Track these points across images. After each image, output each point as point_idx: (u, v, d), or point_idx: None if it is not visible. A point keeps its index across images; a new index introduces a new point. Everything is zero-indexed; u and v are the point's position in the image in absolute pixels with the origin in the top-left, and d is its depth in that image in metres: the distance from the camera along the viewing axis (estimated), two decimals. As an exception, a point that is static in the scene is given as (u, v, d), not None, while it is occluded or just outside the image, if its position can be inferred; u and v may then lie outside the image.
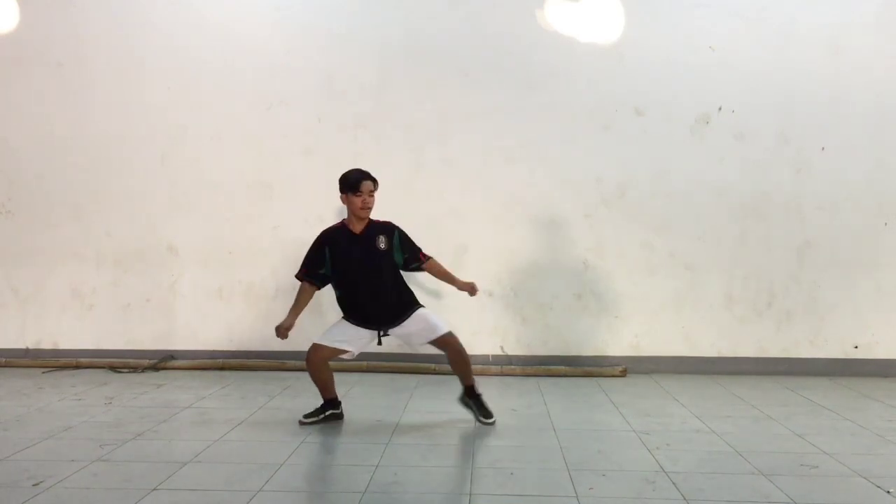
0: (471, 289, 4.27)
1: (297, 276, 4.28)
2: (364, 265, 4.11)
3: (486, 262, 5.72)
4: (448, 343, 4.19)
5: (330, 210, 5.77)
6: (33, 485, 3.16)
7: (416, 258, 4.24)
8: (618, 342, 5.79)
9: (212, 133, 5.84)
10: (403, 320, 4.14)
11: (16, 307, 5.95)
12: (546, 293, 5.78)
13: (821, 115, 5.69)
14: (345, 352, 4.18)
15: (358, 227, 4.17)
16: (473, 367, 5.60)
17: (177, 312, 5.89)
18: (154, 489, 3.13)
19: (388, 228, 4.21)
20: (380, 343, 4.21)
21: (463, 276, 5.59)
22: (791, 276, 5.75)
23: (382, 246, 4.13)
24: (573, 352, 5.77)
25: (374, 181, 4.18)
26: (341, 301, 4.23)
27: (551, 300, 5.78)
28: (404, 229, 4.26)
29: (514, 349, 5.79)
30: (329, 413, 4.26)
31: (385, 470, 3.44)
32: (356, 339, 4.18)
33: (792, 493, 3.15)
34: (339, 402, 4.32)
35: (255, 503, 3.00)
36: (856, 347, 5.75)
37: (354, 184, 4.12)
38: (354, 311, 4.19)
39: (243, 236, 5.84)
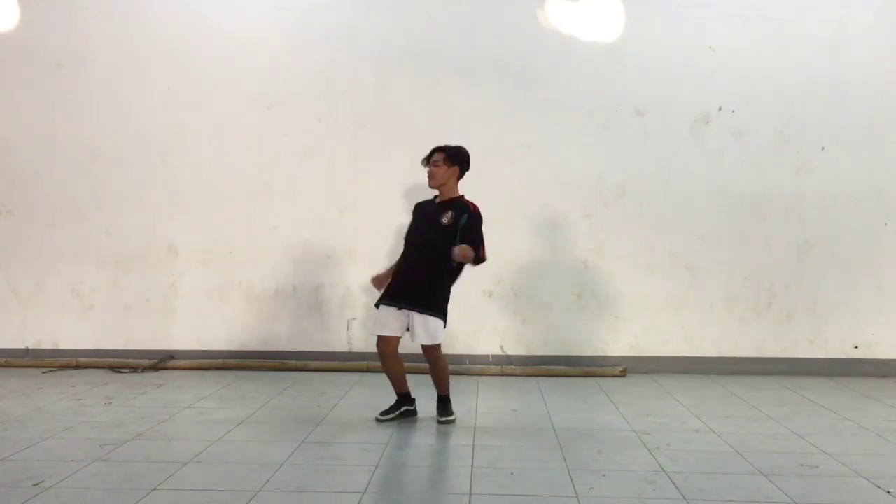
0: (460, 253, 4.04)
1: None
2: (420, 232, 4.21)
3: (486, 261, 5.71)
4: (424, 350, 4.23)
5: (330, 210, 5.78)
6: (33, 485, 3.16)
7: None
8: (618, 342, 5.79)
9: (212, 133, 5.83)
10: (423, 313, 4.10)
11: (16, 307, 5.95)
12: (546, 293, 5.78)
13: (821, 114, 5.70)
14: (397, 336, 4.17)
15: (440, 198, 4.24)
16: (473, 367, 5.65)
17: (177, 312, 5.89)
18: (154, 489, 3.13)
19: (463, 208, 4.14)
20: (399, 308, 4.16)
21: (463, 276, 5.63)
22: (791, 276, 5.75)
23: (444, 221, 4.12)
24: (573, 352, 5.77)
25: (444, 151, 4.19)
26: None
27: (551, 300, 5.78)
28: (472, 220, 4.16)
29: (514, 349, 5.79)
30: (403, 409, 4.31)
31: (385, 470, 3.44)
32: (392, 319, 4.15)
33: (792, 493, 3.15)
34: (413, 399, 4.36)
35: (255, 503, 3.00)
36: (856, 347, 5.75)
37: (427, 156, 4.23)
38: (393, 281, 4.21)
39: (243, 236, 5.84)
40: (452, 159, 4.19)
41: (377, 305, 4.24)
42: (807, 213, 5.73)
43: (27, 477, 3.25)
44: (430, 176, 4.18)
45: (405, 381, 4.34)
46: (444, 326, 4.21)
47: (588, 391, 5.16)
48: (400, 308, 4.14)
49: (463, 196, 4.23)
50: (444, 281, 4.21)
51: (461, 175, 4.25)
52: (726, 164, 5.73)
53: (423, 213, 4.28)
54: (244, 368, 5.75)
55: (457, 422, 4.29)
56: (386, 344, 4.19)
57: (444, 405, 4.34)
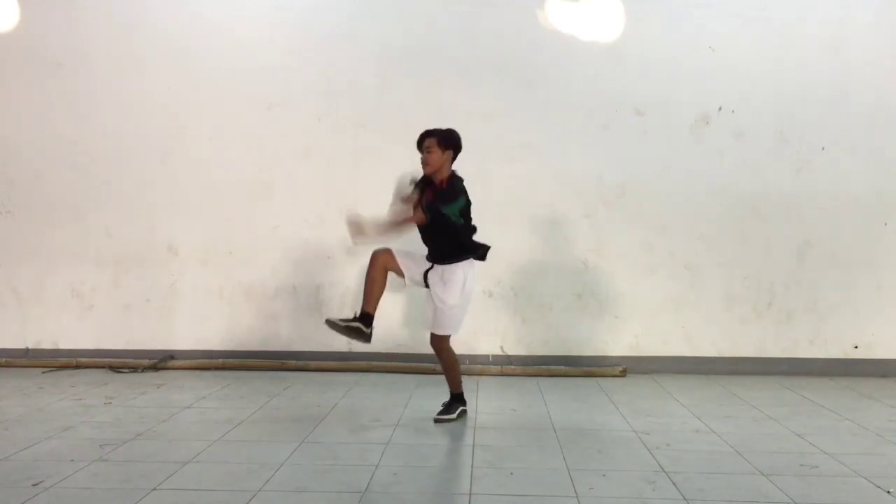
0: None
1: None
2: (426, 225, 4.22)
3: (487, 262, 5.69)
4: (432, 343, 4.28)
5: (330, 209, 5.78)
6: (33, 485, 3.16)
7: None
8: (618, 342, 5.79)
9: (212, 133, 5.83)
10: (446, 263, 4.17)
11: (16, 307, 5.95)
12: (546, 293, 5.78)
13: (821, 115, 5.69)
14: (401, 272, 4.21)
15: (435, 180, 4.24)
16: (473, 367, 5.64)
17: (177, 312, 5.89)
18: (154, 489, 3.13)
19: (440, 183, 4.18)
20: (427, 285, 4.21)
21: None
22: (791, 276, 5.75)
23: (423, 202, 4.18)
24: (573, 352, 5.77)
25: (435, 135, 4.16)
26: None
27: (551, 300, 5.78)
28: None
29: (514, 349, 5.79)
30: (356, 326, 4.11)
31: (385, 470, 3.44)
32: (416, 265, 4.21)
33: (792, 493, 3.15)
34: (372, 319, 4.16)
35: (255, 503, 3.00)
36: (856, 347, 5.75)
37: (419, 142, 4.20)
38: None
39: (243, 236, 5.84)
40: (445, 143, 4.18)
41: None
42: (807, 213, 5.73)
43: (27, 477, 3.25)
44: (425, 163, 4.18)
45: (377, 302, 4.19)
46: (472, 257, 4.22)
47: (588, 391, 5.16)
48: (427, 272, 4.19)
49: (452, 173, 4.23)
50: (457, 243, 4.23)
51: (454, 158, 4.25)
52: (726, 164, 5.73)
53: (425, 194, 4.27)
54: (244, 368, 5.74)
55: (457, 422, 4.28)
56: (389, 260, 4.17)
57: (447, 403, 4.35)
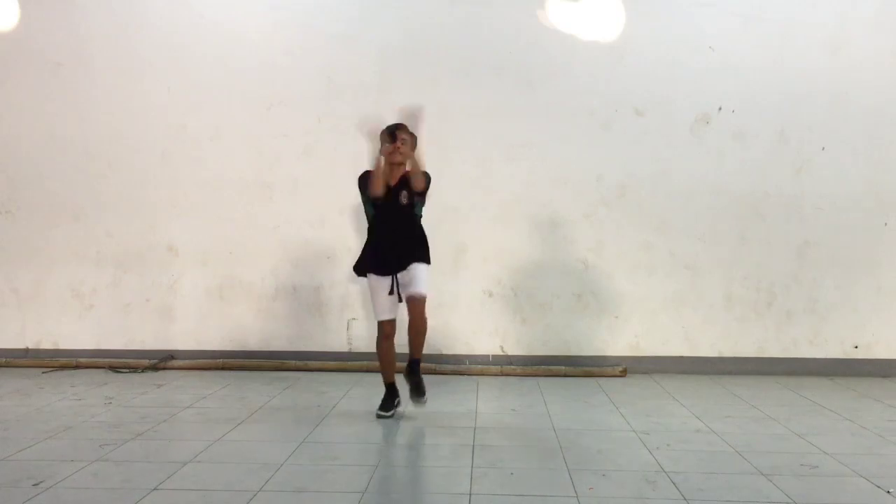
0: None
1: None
2: (386, 216, 4.24)
3: (486, 262, 5.73)
4: (414, 303, 4.19)
5: (330, 210, 5.78)
6: (33, 485, 3.16)
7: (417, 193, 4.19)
8: (618, 342, 5.78)
9: (212, 133, 5.83)
10: (406, 266, 4.20)
11: (16, 307, 5.95)
12: (546, 293, 5.78)
13: (821, 115, 5.69)
14: (394, 315, 4.28)
15: (393, 177, 4.23)
16: (473, 367, 5.65)
17: (177, 312, 5.89)
18: (154, 489, 3.13)
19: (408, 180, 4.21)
20: (396, 295, 4.22)
21: (463, 276, 5.63)
22: (791, 276, 5.75)
23: (404, 201, 4.19)
24: (573, 352, 5.77)
25: (412, 134, 4.24)
26: (368, 238, 4.35)
27: (551, 300, 5.78)
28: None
29: (514, 349, 5.79)
30: (398, 401, 4.40)
31: (385, 470, 3.44)
32: (384, 294, 4.23)
33: (792, 493, 3.15)
34: (397, 389, 4.42)
35: (255, 503, 3.00)
36: (856, 347, 5.75)
37: (391, 133, 4.19)
38: (372, 252, 4.28)
39: (243, 236, 5.84)
40: (414, 139, 4.25)
41: (362, 273, 4.30)
42: (807, 213, 5.73)
43: (27, 477, 3.25)
44: (400, 152, 4.17)
45: (394, 371, 4.40)
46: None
47: (588, 391, 5.16)
48: (394, 283, 4.20)
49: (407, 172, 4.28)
50: (422, 241, 4.30)
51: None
52: (726, 164, 5.72)
53: (385, 193, 4.21)
54: (244, 368, 5.75)
55: (455, 421, 4.28)
56: (391, 326, 4.27)
57: (418, 375, 4.27)
